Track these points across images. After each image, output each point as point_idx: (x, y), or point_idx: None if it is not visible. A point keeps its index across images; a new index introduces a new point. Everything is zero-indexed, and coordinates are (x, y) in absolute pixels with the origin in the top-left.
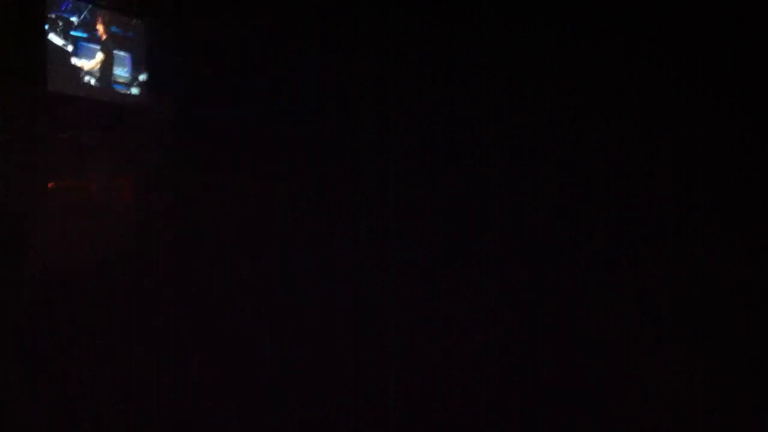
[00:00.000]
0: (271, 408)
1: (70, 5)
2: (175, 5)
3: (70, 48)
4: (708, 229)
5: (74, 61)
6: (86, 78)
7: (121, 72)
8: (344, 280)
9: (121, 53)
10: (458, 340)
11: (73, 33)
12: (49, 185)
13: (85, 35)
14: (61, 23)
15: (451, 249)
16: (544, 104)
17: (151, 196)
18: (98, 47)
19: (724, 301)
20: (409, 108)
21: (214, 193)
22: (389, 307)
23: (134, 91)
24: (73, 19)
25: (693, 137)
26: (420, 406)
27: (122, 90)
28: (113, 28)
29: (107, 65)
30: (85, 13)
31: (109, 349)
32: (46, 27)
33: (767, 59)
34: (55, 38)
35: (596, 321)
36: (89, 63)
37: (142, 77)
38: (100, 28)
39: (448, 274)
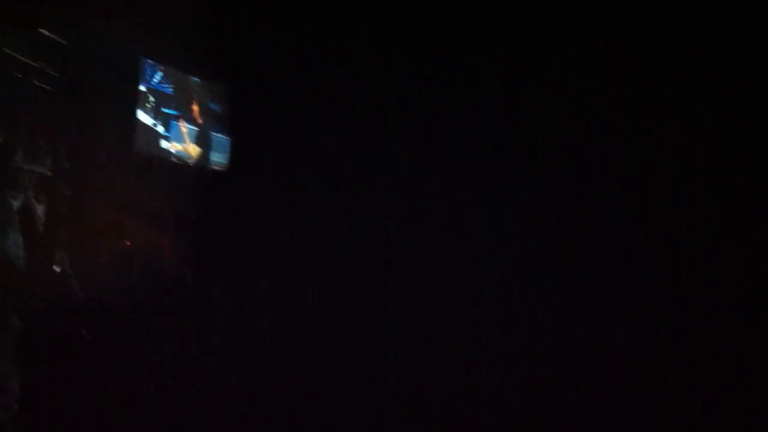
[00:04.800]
0: (272, 408)
1: (163, 76)
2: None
3: (160, 128)
4: (708, 229)
5: (164, 144)
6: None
7: (216, 158)
8: (345, 280)
9: (218, 135)
10: (459, 339)
11: (164, 110)
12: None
13: (177, 113)
14: (151, 98)
15: (451, 248)
16: (544, 104)
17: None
18: (193, 127)
19: (724, 301)
20: (409, 107)
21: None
22: (390, 307)
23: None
24: (167, 91)
25: (693, 137)
26: (420, 406)
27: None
28: (212, 105)
29: (202, 149)
30: (179, 85)
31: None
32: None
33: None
34: (143, 116)
35: (596, 321)
36: (181, 146)
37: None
38: (195, 103)
39: (448, 274)
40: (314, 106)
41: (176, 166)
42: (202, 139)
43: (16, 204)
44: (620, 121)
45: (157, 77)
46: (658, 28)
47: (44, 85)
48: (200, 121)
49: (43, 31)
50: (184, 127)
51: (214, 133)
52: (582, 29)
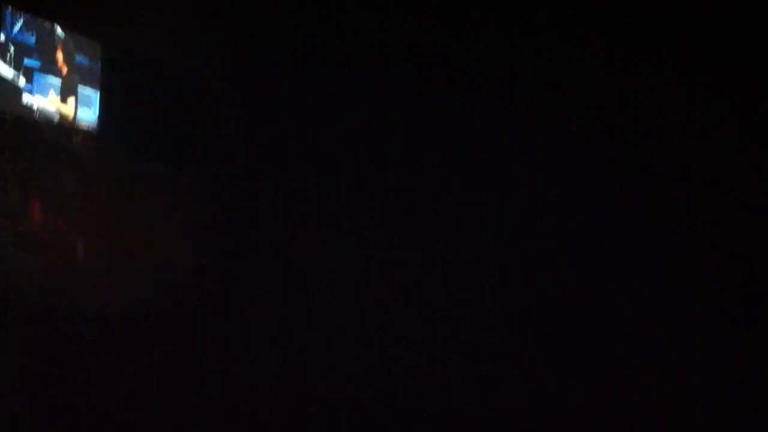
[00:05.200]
0: (272, 408)
1: (23, 23)
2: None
3: (21, 81)
4: (708, 229)
5: (26, 99)
6: (40, 120)
7: (85, 115)
8: (346, 281)
9: (87, 90)
10: (459, 340)
11: (26, 61)
12: None
13: (39, 64)
14: (12, 48)
15: (451, 248)
16: (544, 104)
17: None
18: (56, 82)
19: (724, 302)
20: (409, 107)
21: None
22: (389, 307)
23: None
24: (28, 42)
25: (693, 137)
26: (420, 406)
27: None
28: (78, 57)
29: (68, 106)
30: (42, 35)
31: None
32: None
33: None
34: (2, 68)
35: (596, 322)
36: (45, 102)
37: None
38: (59, 56)
39: (448, 274)
40: (312, 104)
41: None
42: (68, 94)
43: None
44: (620, 121)
45: (18, 25)
46: (658, 28)
47: None
48: (66, 74)
49: None
50: (48, 81)
51: (82, 87)
52: (582, 29)
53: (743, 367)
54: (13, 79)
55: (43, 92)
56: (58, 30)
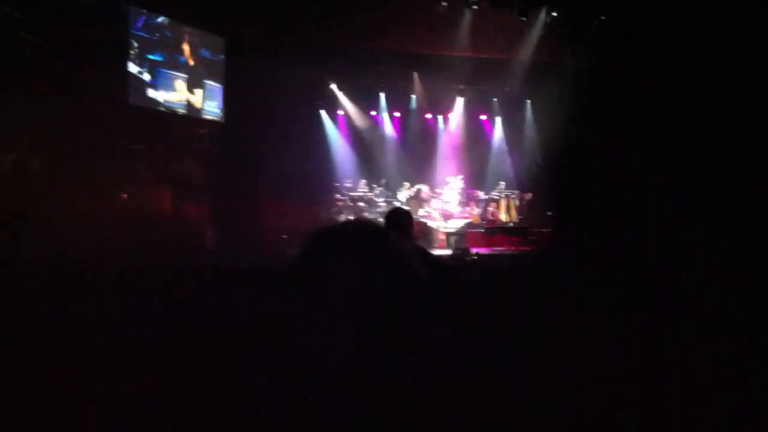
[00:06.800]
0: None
1: (147, 20)
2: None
3: (147, 76)
4: (708, 229)
5: (151, 93)
6: (166, 112)
7: (210, 107)
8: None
9: (211, 82)
10: (458, 341)
11: (150, 56)
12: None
13: (163, 59)
14: (135, 44)
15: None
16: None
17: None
18: (182, 75)
19: (724, 301)
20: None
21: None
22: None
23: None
24: (152, 38)
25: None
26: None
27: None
28: (202, 52)
29: (193, 98)
30: (165, 30)
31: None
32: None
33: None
34: (129, 64)
35: (595, 322)
36: (170, 95)
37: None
38: (185, 50)
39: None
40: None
41: (168, 116)
42: (193, 88)
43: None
44: (620, 121)
45: (141, 22)
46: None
47: (31, 37)
48: (191, 68)
49: None
50: (173, 74)
51: (207, 81)
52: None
53: (743, 367)
54: (138, 74)
55: (168, 86)
56: (184, 26)
